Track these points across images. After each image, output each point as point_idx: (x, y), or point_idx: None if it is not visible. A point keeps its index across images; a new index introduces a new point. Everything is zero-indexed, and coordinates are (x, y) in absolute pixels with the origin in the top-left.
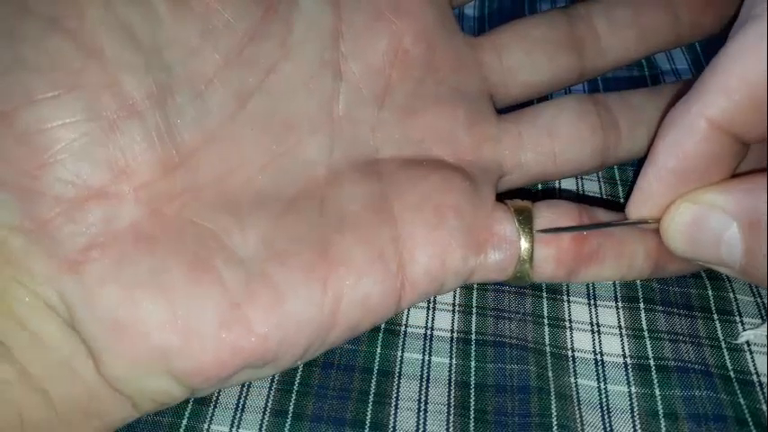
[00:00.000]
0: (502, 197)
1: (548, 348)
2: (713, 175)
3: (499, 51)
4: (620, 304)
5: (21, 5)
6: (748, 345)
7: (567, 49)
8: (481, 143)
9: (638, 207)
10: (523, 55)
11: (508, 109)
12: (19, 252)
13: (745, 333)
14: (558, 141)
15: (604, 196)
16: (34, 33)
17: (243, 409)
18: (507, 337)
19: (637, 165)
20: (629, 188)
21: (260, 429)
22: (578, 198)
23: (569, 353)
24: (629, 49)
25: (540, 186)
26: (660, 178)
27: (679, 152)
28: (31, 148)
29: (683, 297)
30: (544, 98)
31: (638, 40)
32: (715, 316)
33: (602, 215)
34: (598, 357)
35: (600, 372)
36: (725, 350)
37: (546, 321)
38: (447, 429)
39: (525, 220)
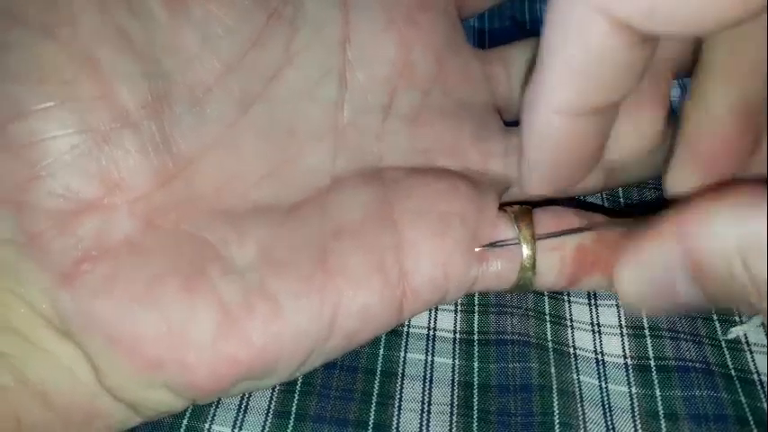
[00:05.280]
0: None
1: (550, 344)
2: (623, 81)
3: (506, 64)
4: (620, 302)
5: (11, 13)
6: (748, 345)
7: None
8: (488, 158)
9: (541, 105)
10: (528, 68)
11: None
12: (12, 265)
13: (734, 329)
14: None
15: (603, 197)
16: (25, 42)
17: (245, 411)
18: (509, 334)
19: None
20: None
21: (262, 431)
22: (577, 203)
23: (571, 350)
24: None
25: None
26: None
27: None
28: (22, 160)
29: None
30: None
31: None
32: (714, 317)
33: (601, 221)
34: (599, 357)
35: (601, 371)
36: (725, 349)
37: (548, 318)
38: (450, 430)
39: (526, 227)
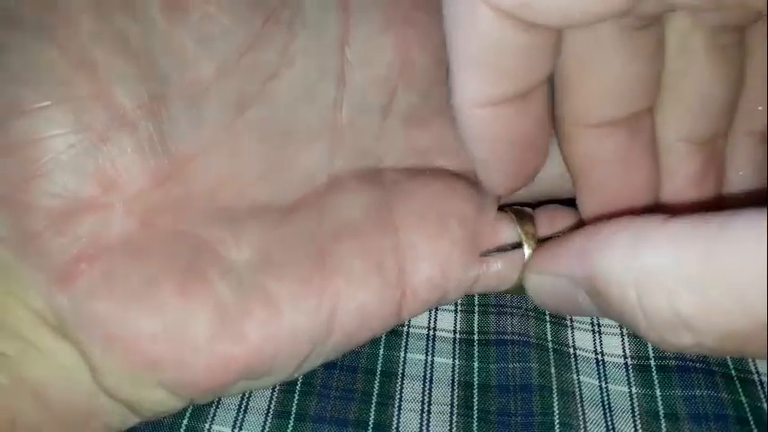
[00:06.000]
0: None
1: (550, 344)
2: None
3: None
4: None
5: (8, 14)
6: None
7: None
8: None
9: (459, 103)
10: None
11: None
12: (8, 264)
13: None
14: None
15: None
16: (23, 43)
17: (245, 411)
18: (509, 334)
19: None
20: None
21: (262, 431)
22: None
23: (571, 350)
24: None
25: None
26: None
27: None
28: (19, 159)
29: None
30: None
31: None
32: None
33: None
34: (599, 357)
35: (601, 371)
36: None
37: (548, 318)
38: (450, 430)
39: (527, 227)
